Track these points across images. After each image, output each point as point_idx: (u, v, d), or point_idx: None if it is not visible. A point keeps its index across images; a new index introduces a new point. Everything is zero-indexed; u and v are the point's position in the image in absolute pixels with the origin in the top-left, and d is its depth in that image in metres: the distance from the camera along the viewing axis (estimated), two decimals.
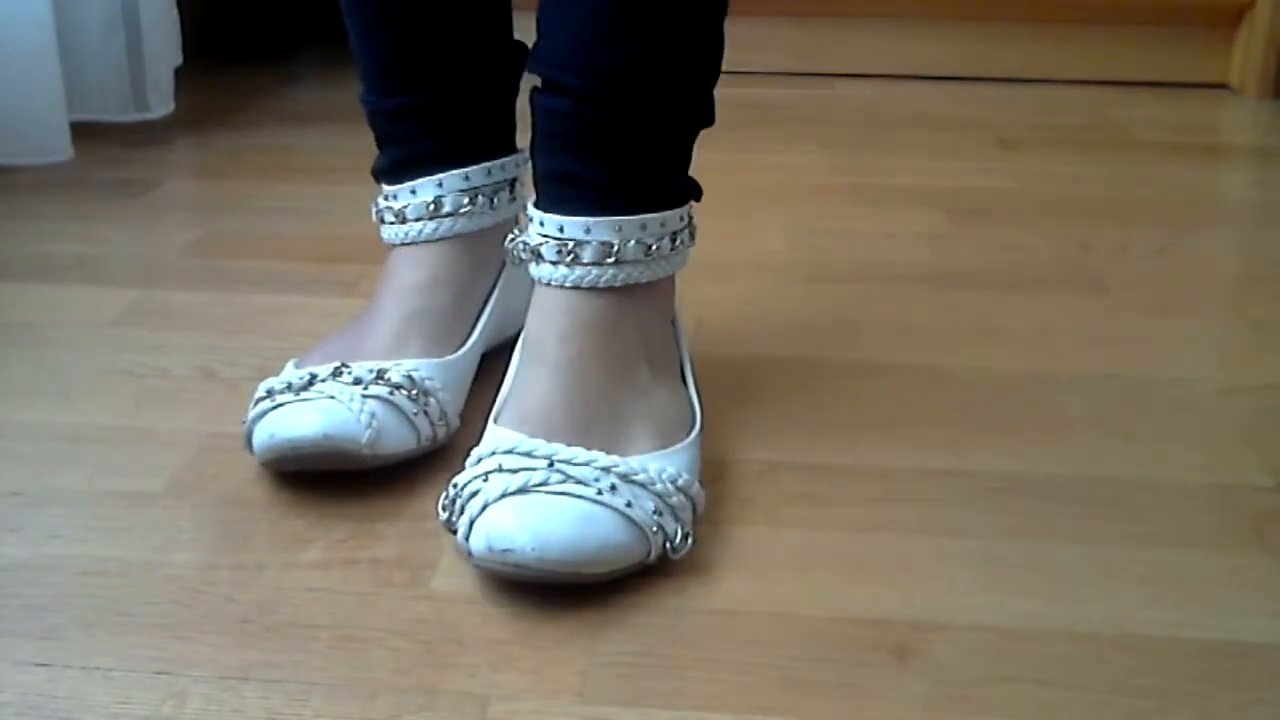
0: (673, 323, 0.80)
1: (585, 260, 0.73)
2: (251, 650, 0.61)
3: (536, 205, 0.75)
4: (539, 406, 0.71)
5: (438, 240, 0.82)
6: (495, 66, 0.84)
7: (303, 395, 0.74)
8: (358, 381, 0.75)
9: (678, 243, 0.76)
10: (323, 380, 0.75)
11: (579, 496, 0.65)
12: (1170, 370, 0.91)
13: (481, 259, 0.84)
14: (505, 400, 0.74)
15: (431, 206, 0.82)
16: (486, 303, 0.85)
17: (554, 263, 0.73)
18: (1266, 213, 1.28)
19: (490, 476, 0.67)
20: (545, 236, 0.73)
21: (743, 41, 1.84)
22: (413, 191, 0.82)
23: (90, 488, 0.75)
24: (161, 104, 1.54)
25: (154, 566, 0.67)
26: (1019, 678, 0.60)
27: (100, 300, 1.02)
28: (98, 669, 0.60)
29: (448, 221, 0.82)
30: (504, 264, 0.87)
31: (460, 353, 0.80)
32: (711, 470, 0.77)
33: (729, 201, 1.27)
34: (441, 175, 0.82)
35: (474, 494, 0.66)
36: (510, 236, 0.77)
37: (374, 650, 0.61)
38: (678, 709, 0.58)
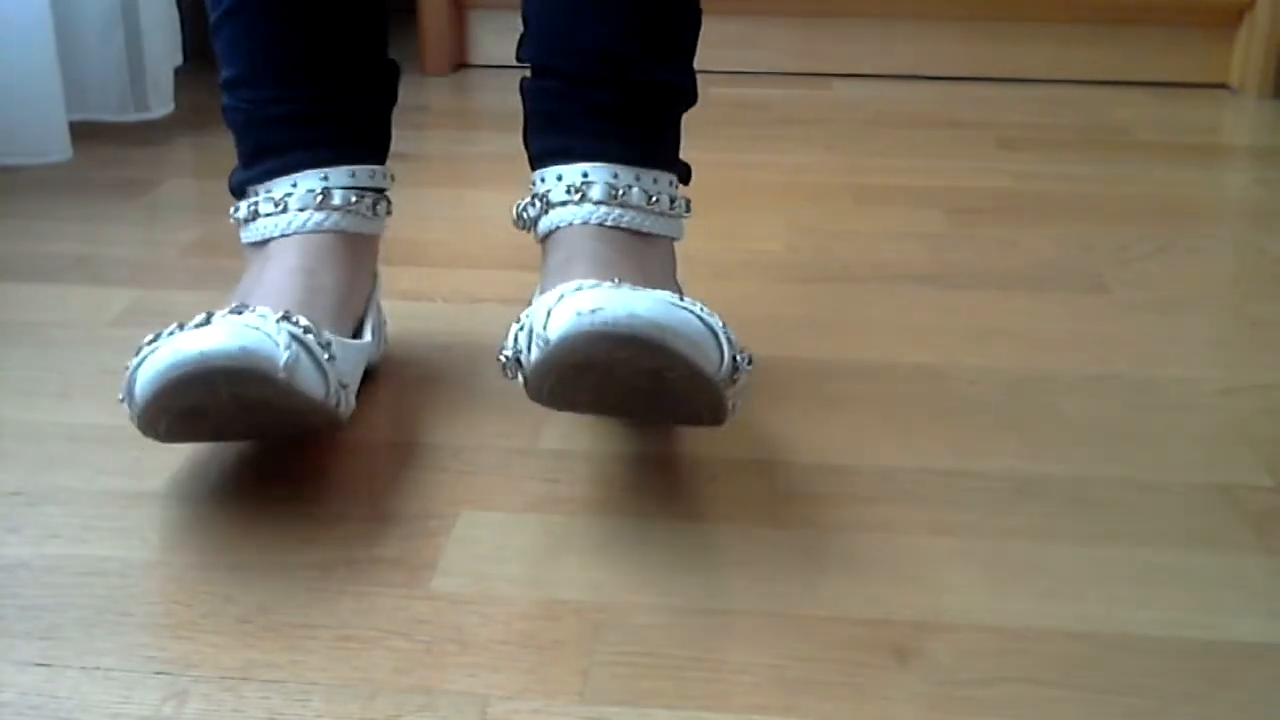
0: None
1: (594, 198, 0.75)
2: (251, 650, 0.61)
3: (533, 162, 0.79)
4: (585, 277, 0.71)
5: (322, 233, 0.80)
6: (376, 75, 0.84)
7: (187, 329, 0.67)
8: (263, 317, 0.68)
9: (675, 205, 0.79)
10: (223, 315, 0.68)
11: (646, 294, 0.63)
12: (1170, 370, 0.91)
13: (361, 264, 0.83)
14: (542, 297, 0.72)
15: (319, 197, 0.79)
16: (367, 311, 0.83)
17: (564, 203, 0.76)
18: (1266, 213, 1.28)
19: (565, 294, 0.65)
20: (550, 186, 0.76)
21: (743, 41, 1.84)
22: (294, 184, 0.80)
23: (90, 488, 0.75)
24: (161, 104, 1.54)
25: (154, 566, 0.67)
26: (1019, 678, 0.60)
27: (100, 300, 1.02)
28: (98, 669, 0.60)
29: (335, 215, 0.80)
30: (376, 284, 0.86)
31: (357, 340, 0.77)
32: (711, 470, 0.77)
33: (729, 201, 1.27)
34: (326, 169, 0.80)
35: (541, 305, 0.65)
36: (517, 204, 0.79)
37: (374, 650, 0.61)
38: (678, 709, 0.58)
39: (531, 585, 0.66)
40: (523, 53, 0.83)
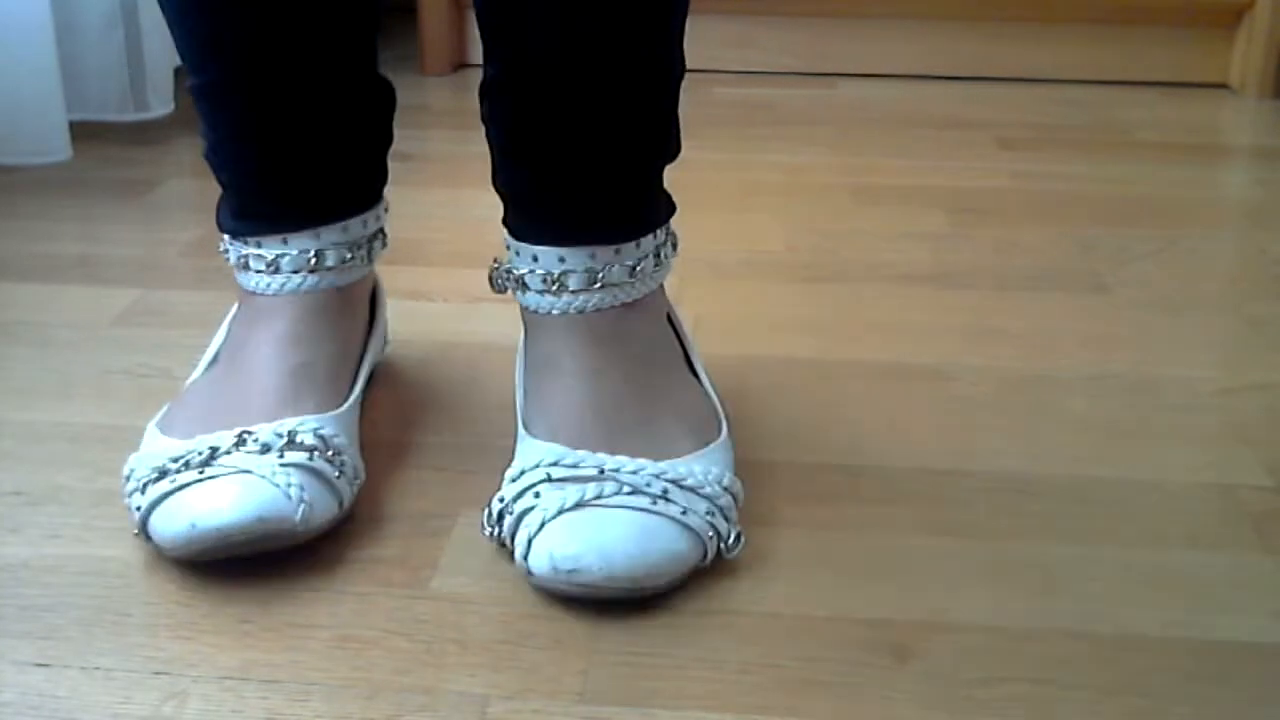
0: (669, 318, 0.79)
1: (572, 288, 0.72)
2: (251, 650, 0.61)
3: (507, 225, 0.74)
4: (570, 417, 0.70)
5: (316, 291, 0.77)
6: (367, 124, 0.80)
7: (208, 473, 0.67)
8: (266, 449, 0.68)
9: (661, 258, 0.75)
10: (226, 452, 0.68)
11: (636, 508, 0.65)
12: (1170, 370, 0.91)
13: (355, 303, 0.81)
14: (528, 414, 0.72)
15: (312, 259, 0.76)
16: (365, 348, 0.82)
17: (540, 292, 0.72)
18: (1266, 213, 1.28)
19: (541, 492, 0.66)
20: (526, 269, 0.73)
21: (744, 41, 1.84)
22: (284, 242, 0.76)
23: (90, 488, 0.75)
24: (161, 104, 1.54)
25: (154, 566, 0.67)
26: (1019, 678, 0.60)
27: (100, 300, 1.02)
28: (98, 669, 0.60)
29: (330, 275, 0.77)
30: (373, 299, 0.84)
31: (349, 403, 0.76)
32: None
33: (729, 201, 1.27)
34: (319, 229, 0.77)
35: (527, 510, 0.66)
36: (493, 264, 0.75)
37: (374, 650, 0.61)
38: (678, 709, 0.58)
39: (531, 585, 0.66)
40: (483, 106, 0.74)
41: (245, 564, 0.67)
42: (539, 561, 0.64)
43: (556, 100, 0.70)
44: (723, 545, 0.67)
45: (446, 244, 1.15)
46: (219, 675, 0.59)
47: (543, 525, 0.64)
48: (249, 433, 0.68)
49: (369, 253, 0.80)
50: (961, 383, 0.89)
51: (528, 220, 0.73)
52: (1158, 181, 1.37)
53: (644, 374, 0.73)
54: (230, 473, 0.66)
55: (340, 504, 0.69)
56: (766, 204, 1.27)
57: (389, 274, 0.94)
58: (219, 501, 0.65)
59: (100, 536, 0.70)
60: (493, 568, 0.67)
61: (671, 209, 0.77)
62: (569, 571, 0.63)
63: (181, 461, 0.67)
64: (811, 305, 1.02)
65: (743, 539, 0.67)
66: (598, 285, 0.72)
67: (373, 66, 0.79)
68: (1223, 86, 1.78)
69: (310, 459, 0.68)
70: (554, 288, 0.72)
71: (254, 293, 0.77)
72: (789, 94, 1.72)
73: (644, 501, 0.66)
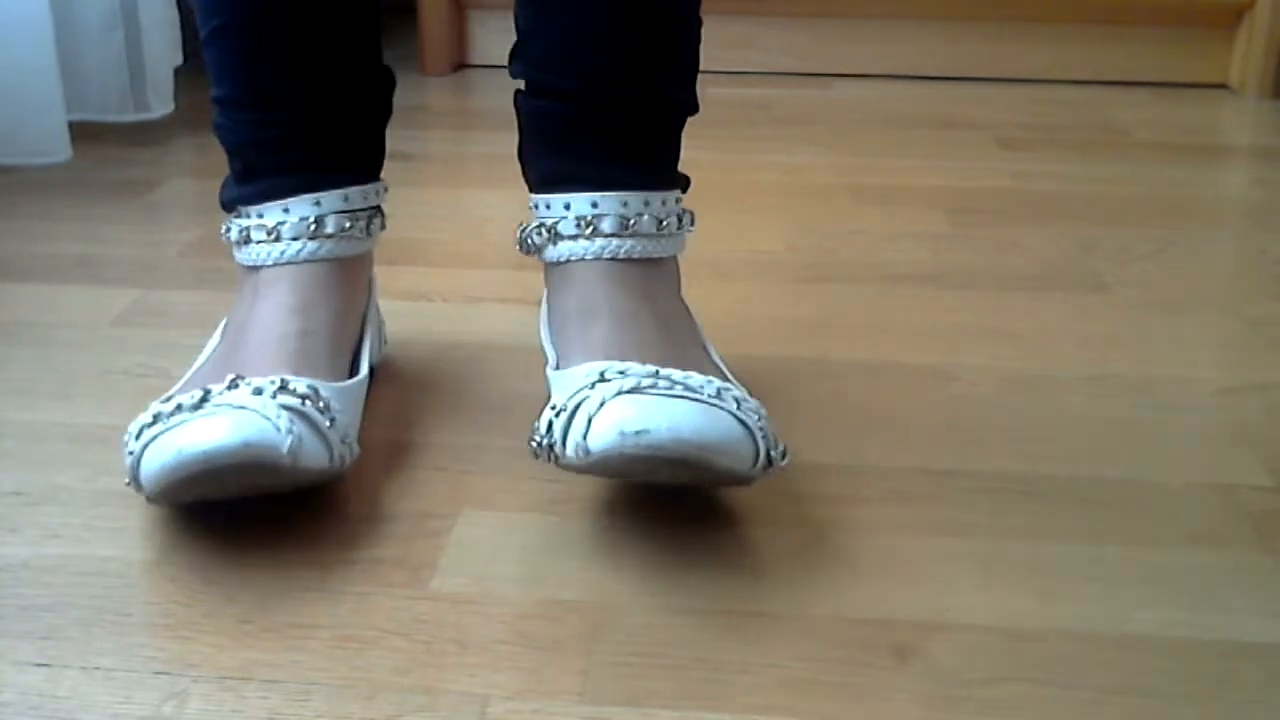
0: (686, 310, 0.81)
1: (605, 231, 0.75)
2: (251, 650, 0.61)
3: (533, 185, 0.78)
4: (610, 345, 0.71)
5: (316, 262, 0.78)
6: (368, 88, 0.81)
7: (199, 413, 0.66)
8: (259, 392, 0.68)
9: (682, 222, 0.78)
10: (220, 395, 0.67)
11: (693, 399, 0.65)
12: (1170, 370, 0.91)
13: (355, 286, 0.81)
14: (565, 354, 0.74)
15: (312, 225, 0.77)
16: (364, 332, 0.82)
17: (573, 237, 0.75)
18: (1266, 213, 1.28)
19: (596, 386, 0.66)
20: (559, 216, 0.76)
21: (743, 41, 1.84)
22: (285, 210, 0.77)
23: (90, 488, 0.75)
24: (161, 104, 1.54)
25: (154, 566, 0.67)
26: (1019, 678, 0.60)
27: (100, 300, 1.02)
28: (98, 669, 0.60)
29: (329, 244, 0.78)
30: (372, 293, 0.86)
31: (352, 381, 0.76)
32: None
33: (729, 201, 1.27)
34: (319, 194, 0.78)
35: (583, 400, 0.65)
36: (519, 227, 0.78)
37: (374, 650, 0.61)
38: (678, 709, 0.58)
39: (531, 585, 0.66)
40: (517, 68, 0.80)
41: (245, 564, 0.67)
42: (604, 432, 0.62)
43: (590, 38, 0.75)
44: (773, 452, 0.67)
45: (446, 244, 1.15)
46: (219, 675, 0.59)
47: (603, 404, 0.64)
48: (241, 378, 0.69)
49: (368, 226, 0.81)
50: (961, 383, 0.89)
51: (559, 169, 0.77)
52: (1157, 181, 1.37)
53: (673, 330, 0.75)
54: (224, 408, 0.66)
55: (330, 456, 0.69)
56: (766, 204, 1.27)
57: (389, 274, 0.94)
58: (207, 431, 0.64)
59: (100, 536, 0.70)
60: (493, 568, 0.67)
61: (688, 182, 0.81)
62: (636, 433, 0.62)
63: (174, 405, 0.67)
64: (811, 305, 1.02)
65: (788, 455, 0.68)
66: (628, 231, 0.75)
67: (376, 39, 0.81)
68: (1223, 86, 1.78)
69: (302, 405, 0.68)
70: (588, 230, 0.75)
71: (256, 267, 0.78)
72: (788, 94, 1.72)
73: (700, 395, 0.66)
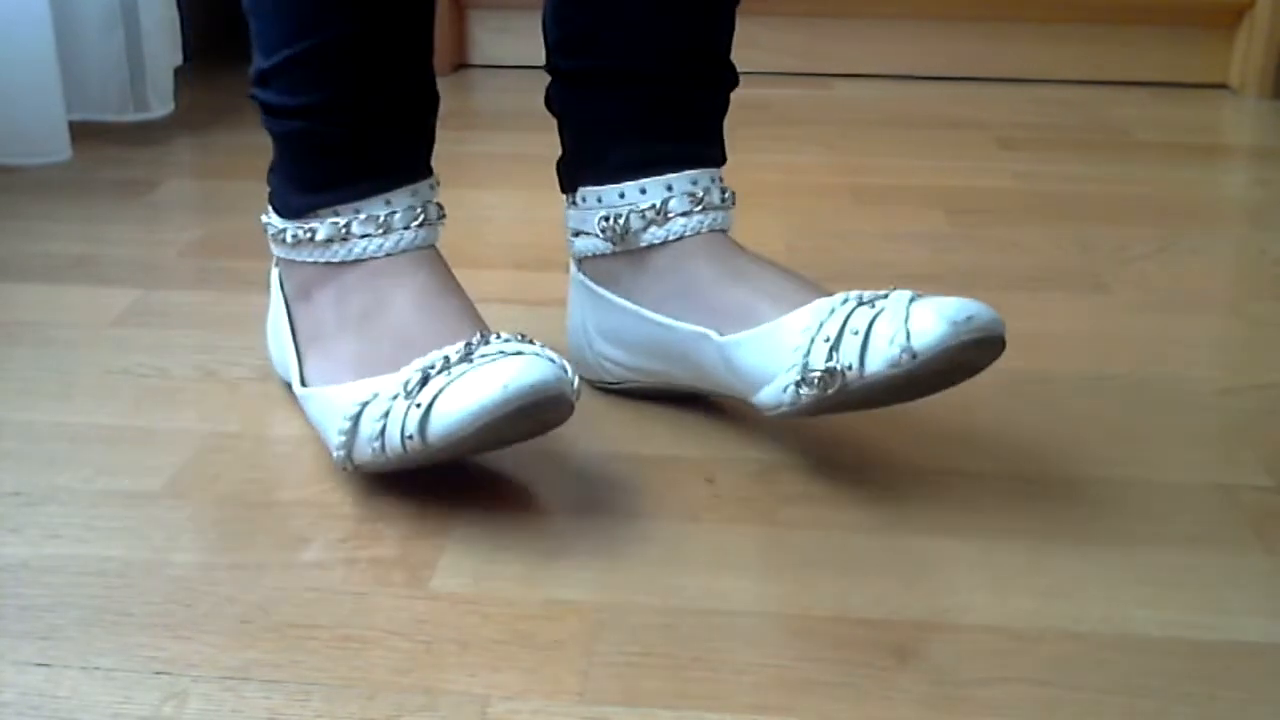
0: None
1: (715, 204, 0.80)
2: (251, 650, 0.61)
3: (610, 183, 0.81)
4: (800, 290, 0.75)
5: (426, 249, 0.79)
6: (432, 86, 0.82)
7: (478, 361, 0.68)
8: (525, 340, 0.71)
9: (735, 198, 0.84)
10: (486, 347, 0.69)
11: (963, 299, 0.69)
12: (1170, 370, 0.91)
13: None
14: (744, 314, 0.76)
15: (420, 213, 0.78)
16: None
17: (685, 213, 0.80)
18: (1266, 213, 1.28)
19: (874, 304, 0.71)
20: (662, 197, 0.80)
21: (743, 41, 1.83)
22: (388, 202, 0.78)
23: (90, 488, 0.75)
24: (161, 104, 1.54)
25: (154, 566, 0.67)
26: (1019, 678, 0.60)
27: (100, 300, 1.02)
28: (98, 669, 0.60)
29: (430, 230, 0.79)
30: None
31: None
32: (711, 470, 0.77)
33: None
34: (416, 185, 0.79)
35: (875, 315, 0.70)
36: (604, 217, 0.81)
37: (374, 650, 0.61)
38: (678, 709, 0.58)
39: (531, 585, 0.66)
40: (568, 61, 0.82)
41: (245, 564, 0.67)
42: (931, 328, 0.67)
43: (667, 19, 0.80)
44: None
45: (446, 244, 1.15)
46: (219, 675, 0.59)
47: (909, 312, 0.68)
48: (484, 336, 0.70)
49: (443, 214, 0.82)
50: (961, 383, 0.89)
51: (648, 152, 0.81)
52: (1157, 181, 1.37)
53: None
54: (501, 356, 0.68)
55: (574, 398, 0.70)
56: (766, 204, 1.27)
57: None
58: (524, 369, 0.66)
59: (100, 536, 0.70)
60: (493, 568, 0.67)
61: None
62: (967, 318, 0.67)
63: (439, 360, 0.68)
64: None
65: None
66: (722, 204, 0.81)
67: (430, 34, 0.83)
68: (1223, 86, 1.78)
69: (542, 349, 0.70)
70: (698, 206, 0.80)
71: (359, 260, 0.78)
72: (788, 94, 1.72)
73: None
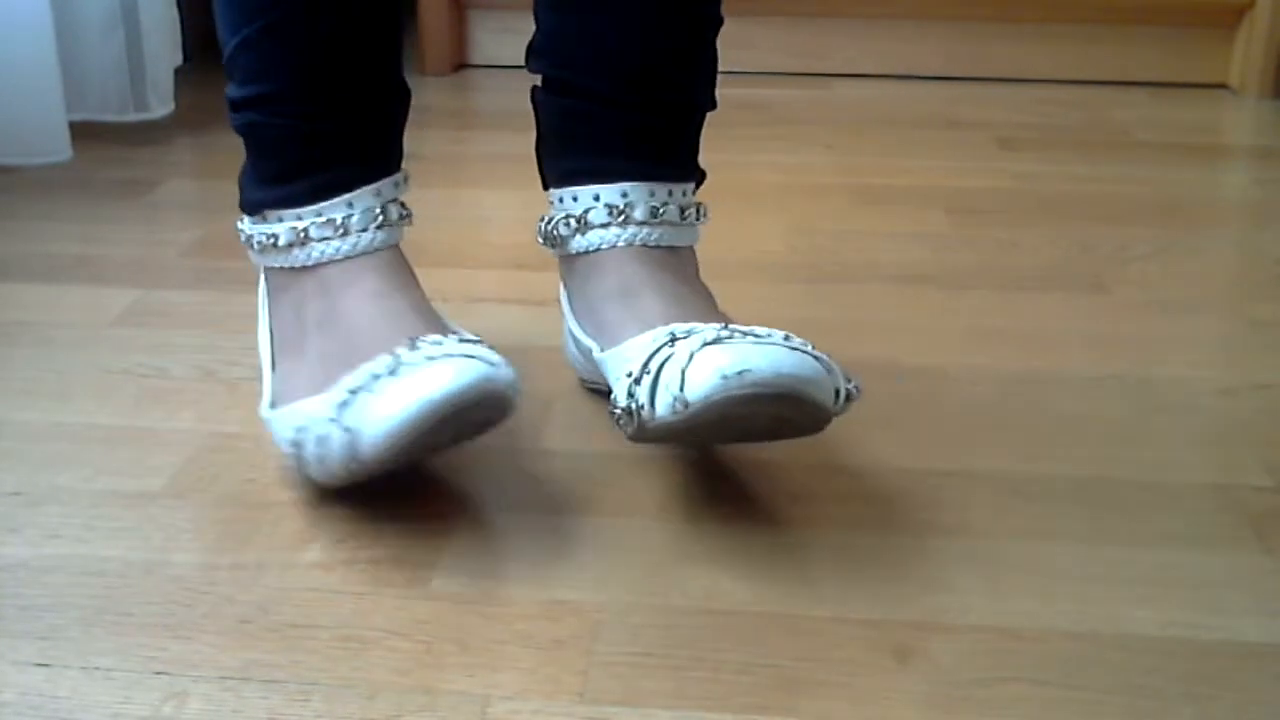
0: None
1: (637, 219, 0.78)
2: (251, 650, 0.61)
3: (555, 179, 0.80)
4: (666, 316, 0.74)
5: (385, 250, 0.77)
6: (399, 81, 0.81)
7: (401, 372, 0.66)
8: (461, 340, 0.69)
9: (700, 214, 0.81)
10: (414, 352, 0.67)
11: (772, 344, 0.66)
12: (1170, 370, 0.91)
13: (411, 271, 0.81)
14: (613, 334, 0.75)
15: (379, 215, 0.77)
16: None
17: (604, 225, 0.78)
18: (1266, 213, 1.28)
19: (676, 342, 0.68)
20: (587, 206, 0.78)
21: (743, 41, 1.84)
22: (349, 204, 0.76)
23: (90, 488, 0.75)
24: (161, 104, 1.54)
25: (154, 566, 0.67)
26: (1019, 678, 0.60)
27: (100, 300, 1.02)
28: (98, 669, 0.60)
29: (390, 231, 0.78)
30: None
31: None
32: (711, 470, 0.77)
33: (729, 202, 1.27)
34: (378, 184, 0.78)
35: (667, 359, 0.67)
36: (543, 219, 0.80)
37: (374, 650, 0.61)
38: (678, 709, 0.58)
39: (531, 585, 0.66)
40: (538, 64, 0.82)
41: (245, 564, 0.67)
42: (702, 380, 0.63)
43: (622, 40, 0.78)
44: (849, 387, 0.68)
45: (446, 244, 1.15)
46: (219, 675, 0.59)
47: (692, 356, 0.65)
48: (415, 339, 0.68)
49: (409, 214, 0.81)
50: (961, 383, 0.89)
51: (587, 164, 0.79)
52: (1158, 181, 1.37)
53: (714, 305, 0.78)
54: (431, 361, 0.66)
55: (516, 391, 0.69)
56: (766, 204, 1.27)
57: None
58: (442, 376, 0.64)
59: (100, 536, 0.70)
60: (493, 568, 0.67)
61: (704, 175, 0.83)
62: (739, 373, 0.63)
63: (365, 376, 0.67)
64: (811, 305, 1.02)
65: (860, 391, 0.69)
66: (657, 220, 0.78)
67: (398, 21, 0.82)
68: (1223, 86, 1.78)
69: (480, 346, 0.69)
70: (619, 219, 0.78)
71: (317, 265, 0.76)
72: (787, 94, 1.72)
73: (776, 341, 0.67)
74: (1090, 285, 1.07)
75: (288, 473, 0.76)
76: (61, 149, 1.40)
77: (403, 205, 0.80)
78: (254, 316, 0.96)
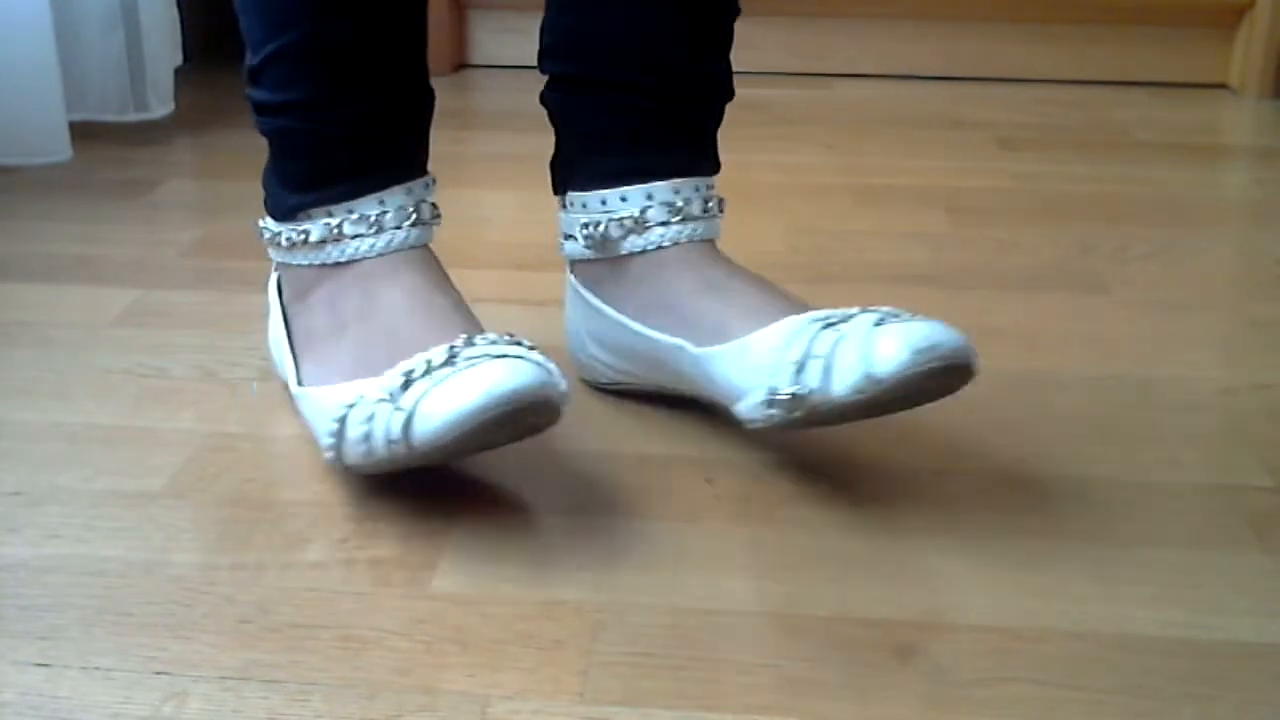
0: None
1: (695, 214, 0.80)
2: (251, 650, 0.61)
3: (594, 190, 0.81)
4: (776, 308, 0.75)
5: (419, 248, 0.78)
6: (425, 83, 0.81)
7: (461, 365, 0.67)
8: (515, 343, 0.70)
9: (722, 206, 0.84)
10: (470, 349, 0.68)
11: (937, 322, 0.69)
12: (1170, 370, 0.91)
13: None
14: (715, 329, 0.76)
15: (412, 213, 0.78)
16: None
17: (664, 223, 0.79)
18: (1266, 213, 1.28)
19: (837, 327, 0.70)
20: (641, 205, 0.79)
21: (743, 41, 1.83)
22: (381, 202, 0.77)
23: (90, 488, 0.75)
24: (161, 104, 1.54)
25: (154, 566, 0.67)
26: (1019, 678, 0.60)
27: (100, 300, 1.02)
28: (98, 669, 0.60)
29: (423, 230, 0.79)
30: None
31: None
32: (711, 470, 0.77)
33: (729, 201, 1.27)
34: (410, 184, 0.79)
35: (839, 340, 0.69)
36: (585, 223, 0.81)
37: (374, 650, 0.61)
38: (678, 709, 0.58)
39: (531, 585, 0.66)
40: (557, 64, 0.82)
41: (245, 564, 0.67)
42: (892, 355, 0.66)
43: (658, 31, 0.79)
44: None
45: (446, 244, 1.15)
46: (219, 675, 0.59)
47: (874, 337, 0.67)
48: (469, 338, 0.69)
49: (438, 214, 0.81)
50: None
51: (632, 163, 0.80)
52: (1158, 181, 1.37)
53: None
54: (484, 359, 0.67)
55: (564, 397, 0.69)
56: (766, 204, 1.27)
57: None
58: (507, 373, 0.65)
59: (100, 536, 0.70)
60: (493, 568, 0.67)
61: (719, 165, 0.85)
62: (929, 348, 0.66)
63: (423, 366, 0.67)
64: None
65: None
66: (707, 214, 0.81)
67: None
68: (1223, 86, 1.78)
69: (530, 350, 0.69)
70: (677, 217, 0.79)
71: (350, 261, 0.77)
72: (788, 94, 1.72)
73: (927, 318, 0.70)
74: (1090, 285, 1.07)
75: (288, 473, 0.76)
76: (61, 149, 1.40)
77: (434, 205, 0.80)
78: (254, 316, 0.96)
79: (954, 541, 0.70)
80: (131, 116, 1.51)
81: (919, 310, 1.00)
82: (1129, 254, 1.14)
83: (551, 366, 0.68)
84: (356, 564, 0.68)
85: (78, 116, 1.46)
